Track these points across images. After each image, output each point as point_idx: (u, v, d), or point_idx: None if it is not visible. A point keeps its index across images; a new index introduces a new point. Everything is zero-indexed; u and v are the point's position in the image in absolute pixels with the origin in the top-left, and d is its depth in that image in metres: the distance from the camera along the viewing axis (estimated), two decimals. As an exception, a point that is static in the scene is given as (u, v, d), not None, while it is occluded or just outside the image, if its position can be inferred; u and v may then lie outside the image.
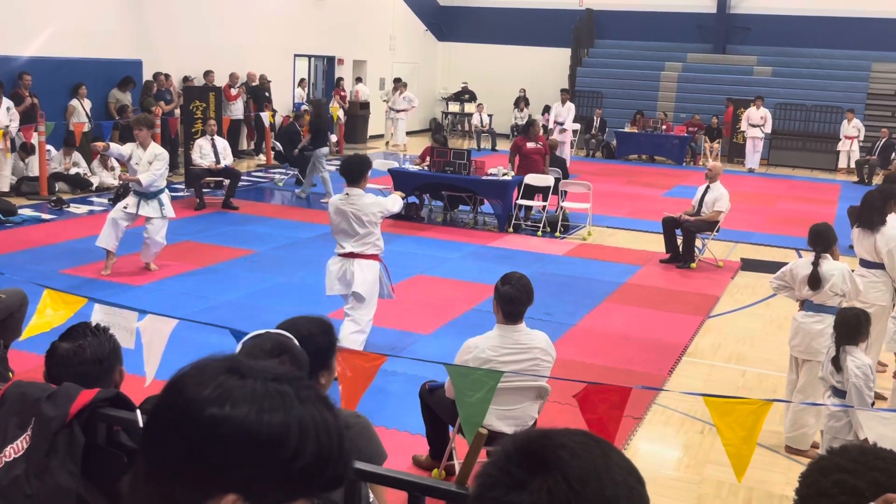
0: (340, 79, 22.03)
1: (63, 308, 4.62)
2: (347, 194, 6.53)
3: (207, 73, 17.18)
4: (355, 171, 6.51)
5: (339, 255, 6.65)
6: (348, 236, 6.56)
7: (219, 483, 1.11)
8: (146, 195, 9.08)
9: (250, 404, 1.11)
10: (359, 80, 22.78)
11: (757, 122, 20.77)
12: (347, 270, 6.60)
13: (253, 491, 1.12)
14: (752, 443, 3.87)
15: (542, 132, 13.85)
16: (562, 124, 19.16)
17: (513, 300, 4.54)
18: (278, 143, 16.35)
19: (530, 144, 13.02)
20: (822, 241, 6.07)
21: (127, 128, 14.99)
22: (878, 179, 17.71)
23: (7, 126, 12.90)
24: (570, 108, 19.70)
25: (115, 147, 9.45)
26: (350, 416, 2.92)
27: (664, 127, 21.75)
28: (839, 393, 4.95)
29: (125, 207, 9.10)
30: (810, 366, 5.87)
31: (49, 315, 4.57)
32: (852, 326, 4.95)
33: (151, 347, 4.35)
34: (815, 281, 5.95)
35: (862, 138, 20.67)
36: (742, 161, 21.39)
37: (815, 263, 5.98)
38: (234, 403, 1.10)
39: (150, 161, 8.98)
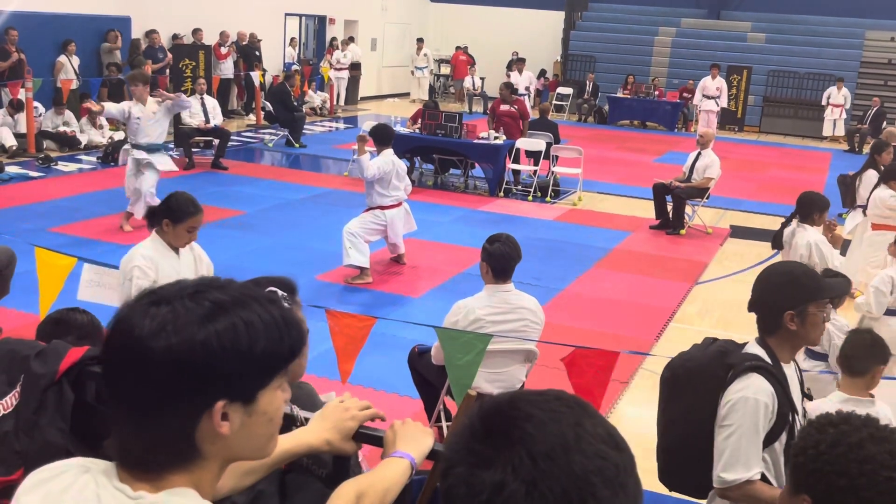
0: (334, 39, 21.80)
1: (56, 267, 4.62)
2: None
3: (196, 32, 16.97)
4: (387, 135, 8.21)
5: (391, 206, 8.11)
6: (394, 187, 8.12)
7: (201, 399, 1.19)
8: (152, 148, 9.07)
9: (190, 323, 1.18)
10: (351, 40, 22.56)
11: (712, 93, 18.97)
12: (405, 213, 8.36)
13: (233, 391, 1.21)
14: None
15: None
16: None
17: (504, 256, 4.58)
18: (268, 103, 16.21)
19: (503, 107, 12.96)
20: (799, 207, 6.10)
21: (115, 85, 14.86)
22: (867, 148, 17.70)
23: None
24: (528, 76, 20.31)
25: (110, 107, 9.30)
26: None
27: (656, 93, 21.58)
28: (814, 355, 4.99)
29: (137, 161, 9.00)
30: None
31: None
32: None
33: None
34: (776, 241, 6.07)
35: (848, 106, 20.58)
36: (734, 128, 21.34)
37: (784, 225, 6.08)
38: (175, 329, 1.17)
39: (155, 112, 8.97)
